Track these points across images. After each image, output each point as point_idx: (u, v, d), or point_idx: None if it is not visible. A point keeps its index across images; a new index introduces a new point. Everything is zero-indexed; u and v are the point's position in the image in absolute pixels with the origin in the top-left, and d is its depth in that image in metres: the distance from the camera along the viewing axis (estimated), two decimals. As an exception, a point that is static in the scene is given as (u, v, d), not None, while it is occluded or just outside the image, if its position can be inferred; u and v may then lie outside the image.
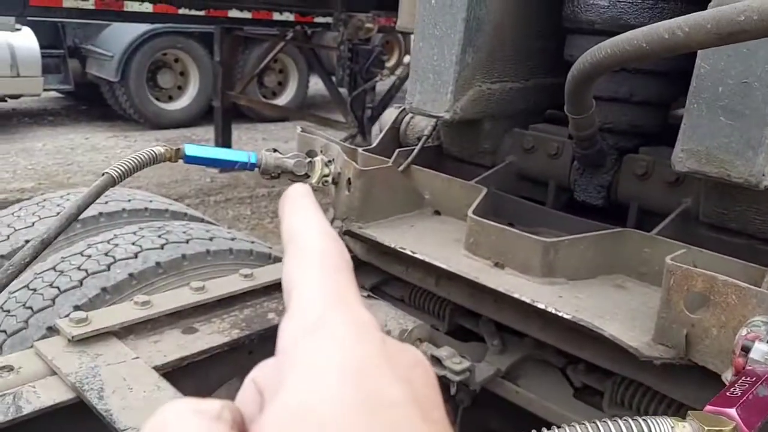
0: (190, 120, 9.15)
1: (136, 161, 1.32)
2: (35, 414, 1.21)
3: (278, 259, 1.95)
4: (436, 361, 1.29)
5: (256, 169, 1.48)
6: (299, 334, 0.35)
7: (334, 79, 6.09)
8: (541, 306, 1.13)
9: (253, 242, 2.07)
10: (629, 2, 1.33)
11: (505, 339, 1.49)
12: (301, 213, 0.44)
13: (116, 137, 8.38)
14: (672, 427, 0.64)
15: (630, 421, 0.65)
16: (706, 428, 0.63)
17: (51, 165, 7.01)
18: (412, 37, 1.55)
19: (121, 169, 1.28)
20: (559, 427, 0.65)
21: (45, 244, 1.14)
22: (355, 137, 5.47)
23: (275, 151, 1.53)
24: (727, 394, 0.68)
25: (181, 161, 1.43)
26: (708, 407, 0.67)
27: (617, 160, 1.47)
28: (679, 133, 1.16)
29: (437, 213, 1.63)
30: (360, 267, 1.67)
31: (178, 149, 1.41)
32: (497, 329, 1.50)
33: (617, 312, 1.17)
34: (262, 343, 1.61)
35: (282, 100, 9.92)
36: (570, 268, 1.28)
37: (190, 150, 1.43)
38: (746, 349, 0.80)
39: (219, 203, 6.19)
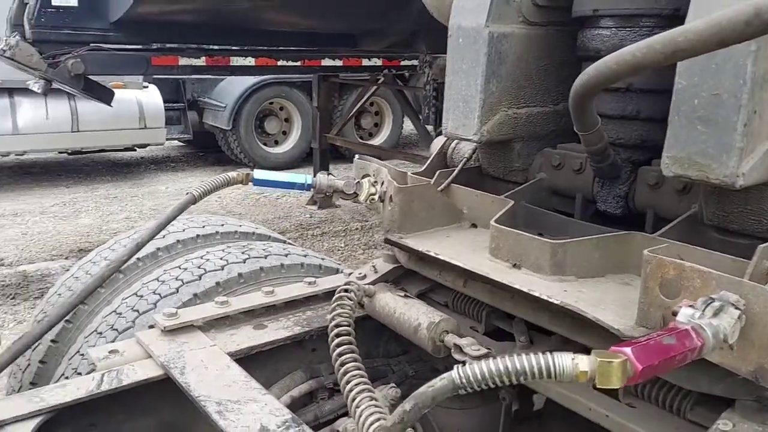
0: (293, 162, 9.84)
1: (213, 183, 1.63)
2: (132, 386, 1.52)
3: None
4: (457, 348, 1.47)
5: (312, 189, 1.75)
6: None
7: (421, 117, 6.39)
8: (536, 294, 1.29)
9: (323, 258, 2.35)
10: (628, 30, 1.49)
11: (534, 337, 1.63)
12: None
13: (227, 180, 9.16)
14: (573, 359, 0.79)
15: (540, 354, 0.81)
16: (599, 359, 0.78)
17: (172, 205, 7.80)
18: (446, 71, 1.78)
19: (201, 190, 1.59)
20: (473, 358, 0.82)
21: (139, 247, 1.45)
22: (439, 171, 5.68)
23: (329, 174, 1.80)
24: (634, 341, 0.82)
25: (251, 185, 1.73)
26: (612, 347, 0.81)
27: (632, 172, 1.59)
28: (665, 141, 1.30)
29: (474, 226, 1.81)
30: (406, 274, 1.89)
31: (248, 174, 1.71)
32: (527, 329, 1.65)
33: (614, 303, 1.30)
34: (322, 341, 1.85)
35: (378, 140, 10.41)
36: (578, 267, 1.42)
37: (258, 174, 1.72)
38: (675, 314, 0.92)
39: (316, 236, 6.61)
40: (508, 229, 1.51)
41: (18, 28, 4.76)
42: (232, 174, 1.68)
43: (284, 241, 2.67)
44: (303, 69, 5.81)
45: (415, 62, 6.09)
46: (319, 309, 1.91)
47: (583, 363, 0.79)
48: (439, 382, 0.82)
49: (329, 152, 7.92)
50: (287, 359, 1.84)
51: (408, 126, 11.30)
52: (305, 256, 2.30)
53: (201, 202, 6.44)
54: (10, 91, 7.83)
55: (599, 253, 1.43)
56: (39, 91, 4.83)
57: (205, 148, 10.68)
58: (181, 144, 11.10)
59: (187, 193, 1.58)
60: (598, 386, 0.78)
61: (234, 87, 9.25)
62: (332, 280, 2.00)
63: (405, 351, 2.08)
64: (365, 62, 5.93)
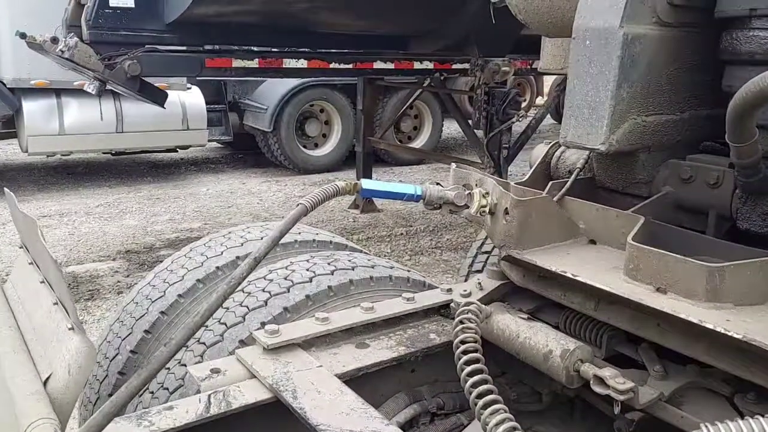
0: (332, 165, 9.77)
1: (323, 194, 1.53)
2: (242, 409, 1.42)
3: (432, 287, 2.09)
4: (598, 380, 1.34)
5: (421, 200, 1.64)
6: None
7: (470, 121, 6.26)
8: (710, 326, 1.16)
9: (409, 271, 2.23)
10: (792, 31, 1.35)
11: (667, 366, 1.50)
12: None
13: (269, 182, 9.13)
14: None
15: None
16: None
17: (214, 207, 7.79)
18: (567, 76, 1.66)
19: (312, 201, 1.49)
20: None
21: (257, 261, 1.36)
22: (493, 177, 5.56)
23: (438, 184, 1.68)
24: None
25: (357, 194, 1.63)
26: None
27: (784, 188, 1.45)
28: None
29: (592, 242, 1.68)
30: (517, 293, 1.77)
31: (356, 183, 1.60)
32: (657, 356, 1.51)
33: (790, 336, 1.17)
34: (423, 362, 1.75)
35: (417, 144, 10.29)
36: (737, 294, 1.29)
37: (366, 184, 1.62)
38: None
39: (361, 241, 6.51)
40: (651, 248, 1.39)
41: (74, 29, 4.75)
42: (341, 184, 1.58)
43: (361, 251, 2.57)
44: (353, 71, 5.73)
45: (466, 65, 5.97)
46: (420, 327, 1.80)
47: None
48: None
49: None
50: (387, 380, 1.73)
51: (446, 130, 11.19)
52: (392, 268, 2.19)
53: (243, 203, 6.41)
54: (58, 92, 7.90)
55: (761, 277, 1.29)
56: (94, 92, 4.82)
57: (245, 150, 10.67)
58: (220, 146, 11.11)
59: (298, 204, 1.48)
60: None
61: (275, 89, 9.21)
62: (430, 296, 1.89)
63: (502, 372, 1.96)
64: (416, 65, 5.82)
